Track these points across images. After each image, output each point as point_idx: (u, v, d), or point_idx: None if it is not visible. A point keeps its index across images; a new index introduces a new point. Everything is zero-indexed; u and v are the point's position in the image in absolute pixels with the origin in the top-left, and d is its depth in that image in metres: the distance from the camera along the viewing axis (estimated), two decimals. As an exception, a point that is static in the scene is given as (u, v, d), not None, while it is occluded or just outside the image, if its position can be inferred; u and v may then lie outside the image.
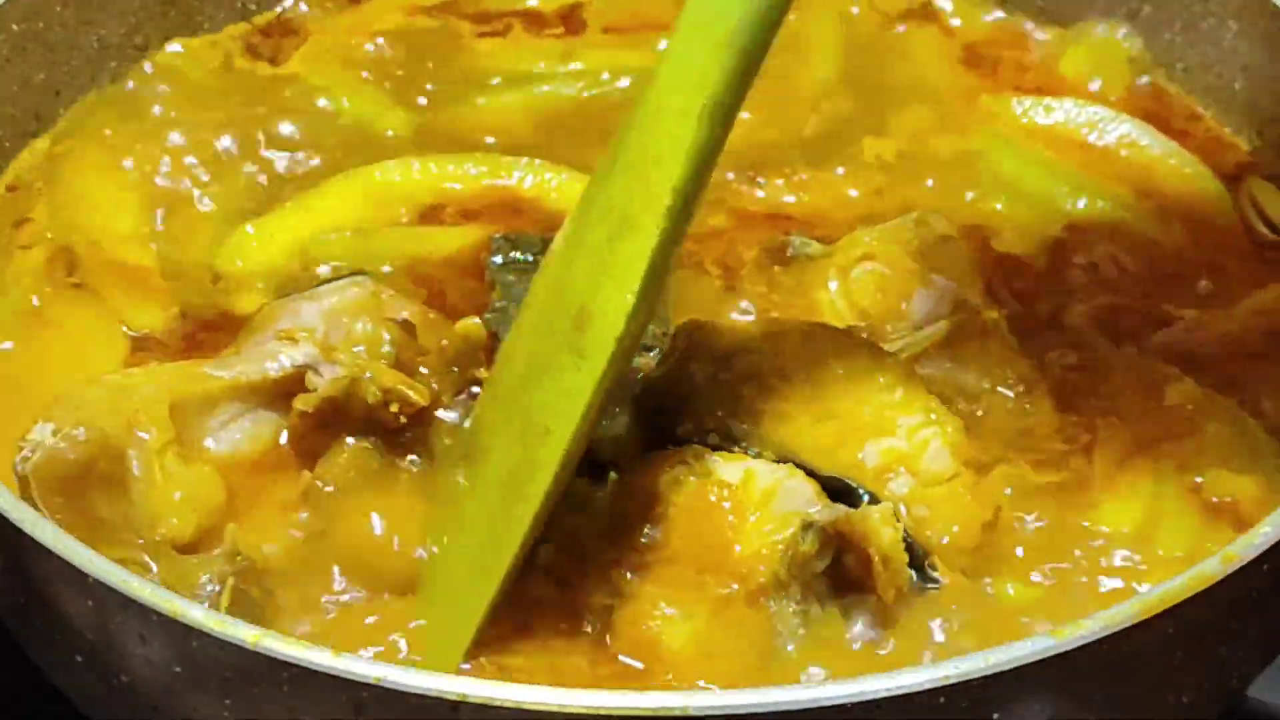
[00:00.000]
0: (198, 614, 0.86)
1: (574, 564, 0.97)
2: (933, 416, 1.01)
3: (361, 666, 0.84)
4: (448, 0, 1.37)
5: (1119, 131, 1.27)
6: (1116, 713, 0.91)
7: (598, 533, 0.97)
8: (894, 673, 0.84)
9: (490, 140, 1.26)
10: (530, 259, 1.14)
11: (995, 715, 0.86)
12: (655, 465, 0.98)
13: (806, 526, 0.94)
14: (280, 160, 1.23)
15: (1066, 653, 0.85)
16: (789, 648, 0.94)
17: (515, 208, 1.21)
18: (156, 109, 1.27)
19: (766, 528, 0.95)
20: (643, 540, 0.96)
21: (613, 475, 0.98)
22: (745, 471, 0.97)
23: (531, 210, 1.20)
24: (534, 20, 1.36)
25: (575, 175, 1.21)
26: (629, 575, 0.96)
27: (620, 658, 0.94)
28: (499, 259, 1.15)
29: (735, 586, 0.95)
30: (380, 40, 1.33)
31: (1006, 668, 0.85)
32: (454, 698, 0.83)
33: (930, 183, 1.23)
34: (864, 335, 1.08)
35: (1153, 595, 0.87)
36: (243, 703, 0.88)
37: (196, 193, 1.21)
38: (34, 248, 1.19)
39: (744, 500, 0.96)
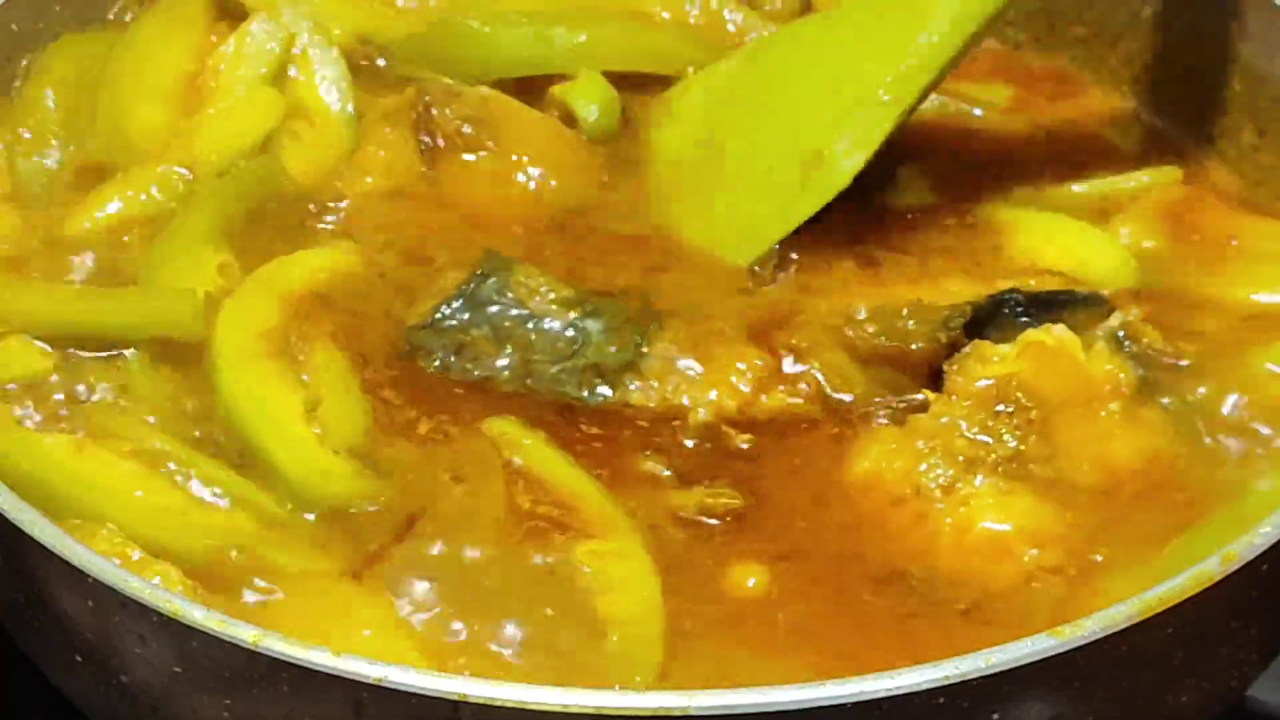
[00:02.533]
0: (198, 614, 0.86)
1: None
2: None
3: (361, 666, 0.84)
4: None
5: None
6: (1116, 713, 0.91)
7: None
8: (894, 673, 0.84)
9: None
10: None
11: (995, 715, 0.86)
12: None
13: (1116, 339, 1.08)
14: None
15: (1066, 653, 0.85)
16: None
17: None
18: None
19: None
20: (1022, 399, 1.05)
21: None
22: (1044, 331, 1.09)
23: None
24: None
25: None
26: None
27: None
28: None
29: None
30: None
31: (1006, 668, 0.85)
32: (454, 698, 0.83)
33: None
34: None
35: (1152, 595, 0.87)
36: (243, 703, 0.88)
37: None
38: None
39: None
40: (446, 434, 1.06)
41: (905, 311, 1.10)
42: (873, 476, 1.04)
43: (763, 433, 1.07)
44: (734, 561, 1.00)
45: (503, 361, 1.09)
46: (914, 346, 1.08)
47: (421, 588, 0.98)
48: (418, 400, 1.08)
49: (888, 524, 1.02)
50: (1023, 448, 1.03)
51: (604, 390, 1.08)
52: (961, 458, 1.03)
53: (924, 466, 1.03)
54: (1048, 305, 1.11)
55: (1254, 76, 1.26)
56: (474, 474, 1.04)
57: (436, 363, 1.10)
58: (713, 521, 1.02)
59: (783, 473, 1.05)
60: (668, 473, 1.04)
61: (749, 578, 0.99)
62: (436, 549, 1.00)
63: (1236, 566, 0.89)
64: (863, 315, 1.10)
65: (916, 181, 1.23)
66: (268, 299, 1.11)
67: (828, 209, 1.16)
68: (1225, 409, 1.07)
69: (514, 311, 1.10)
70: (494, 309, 1.10)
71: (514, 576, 0.98)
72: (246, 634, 0.85)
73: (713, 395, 1.07)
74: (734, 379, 1.07)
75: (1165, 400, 1.07)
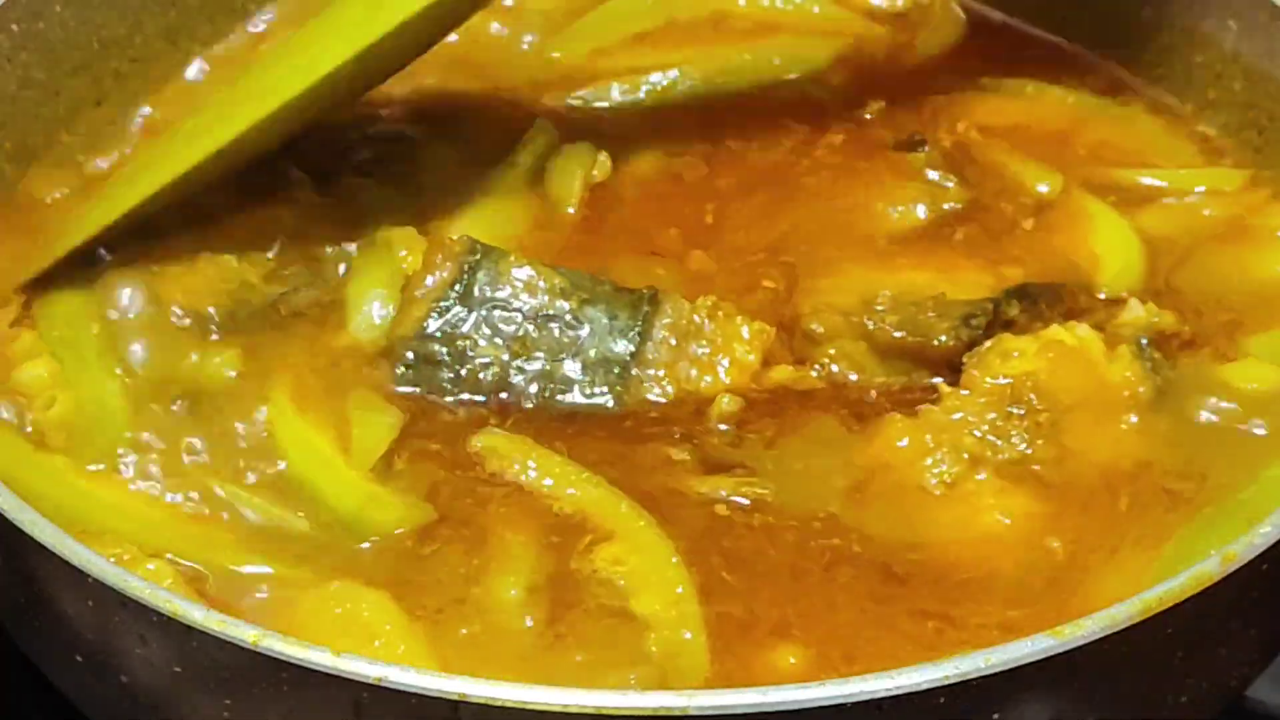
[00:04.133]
0: (198, 614, 0.86)
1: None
2: None
3: (361, 666, 0.84)
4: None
5: None
6: (1116, 713, 0.91)
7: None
8: (894, 672, 0.84)
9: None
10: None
11: (995, 715, 0.86)
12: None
13: (1139, 346, 1.08)
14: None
15: (1066, 653, 0.85)
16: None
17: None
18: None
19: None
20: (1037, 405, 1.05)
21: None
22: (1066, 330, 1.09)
23: None
24: None
25: None
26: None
27: None
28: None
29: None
30: None
31: (1006, 668, 0.85)
32: (454, 697, 0.83)
33: None
34: None
35: (1152, 595, 0.87)
36: (243, 703, 0.88)
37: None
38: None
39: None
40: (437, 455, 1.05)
41: (929, 305, 1.10)
42: (883, 465, 1.04)
43: (782, 421, 1.06)
44: (756, 554, 1.00)
45: (512, 366, 1.07)
46: (936, 342, 1.08)
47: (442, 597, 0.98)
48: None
49: (895, 511, 1.02)
50: (1029, 451, 1.03)
51: (614, 394, 1.06)
52: (968, 455, 1.03)
53: (929, 461, 1.03)
54: (1057, 299, 1.11)
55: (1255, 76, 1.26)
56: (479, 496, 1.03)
57: (445, 375, 1.07)
58: (741, 501, 1.02)
59: (799, 461, 1.05)
60: (687, 459, 1.04)
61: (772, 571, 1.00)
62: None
63: (1236, 566, 0.89)
64: (883, 306, 1.10)
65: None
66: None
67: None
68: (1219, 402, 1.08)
69: (514, 305, 1.07)
70: (490, 309, 1.07)
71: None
72: (246, 634, 0.85)
73: (723, 369, 1.06)
74: (740, 349, 1.07)
75: (1171, 401, 1.07)
